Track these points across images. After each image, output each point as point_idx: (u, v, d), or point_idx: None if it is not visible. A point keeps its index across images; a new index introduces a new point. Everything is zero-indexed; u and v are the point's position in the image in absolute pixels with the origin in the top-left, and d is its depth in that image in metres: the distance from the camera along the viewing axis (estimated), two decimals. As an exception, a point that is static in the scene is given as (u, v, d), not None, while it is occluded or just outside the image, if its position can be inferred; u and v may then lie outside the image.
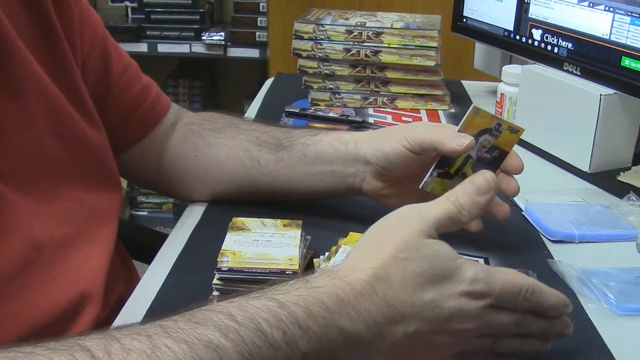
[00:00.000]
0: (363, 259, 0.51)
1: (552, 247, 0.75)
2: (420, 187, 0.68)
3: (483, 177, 0.56)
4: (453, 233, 0.74)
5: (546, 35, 1.04)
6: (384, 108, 1.20)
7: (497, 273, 0.52)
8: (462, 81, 1.38)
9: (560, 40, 1.01)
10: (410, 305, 0.49)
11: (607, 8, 0.92)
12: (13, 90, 0.63)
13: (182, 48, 2.38)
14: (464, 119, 0.66)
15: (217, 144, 0.81)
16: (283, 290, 0.48)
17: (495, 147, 0.68)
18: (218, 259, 0.63)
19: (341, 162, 0.75)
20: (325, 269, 0.52)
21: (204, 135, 0.82)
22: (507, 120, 0.70)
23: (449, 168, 0.68)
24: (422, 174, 0.69)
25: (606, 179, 0.92)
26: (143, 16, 2.40)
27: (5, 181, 0.61)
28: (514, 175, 0.70)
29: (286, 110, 1.15)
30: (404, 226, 0.52)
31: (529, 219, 0.81)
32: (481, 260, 0.72)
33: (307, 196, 0.79)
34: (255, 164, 0.79)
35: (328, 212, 0.81)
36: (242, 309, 0.46)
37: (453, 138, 0.65)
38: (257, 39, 2.35)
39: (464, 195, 0.55)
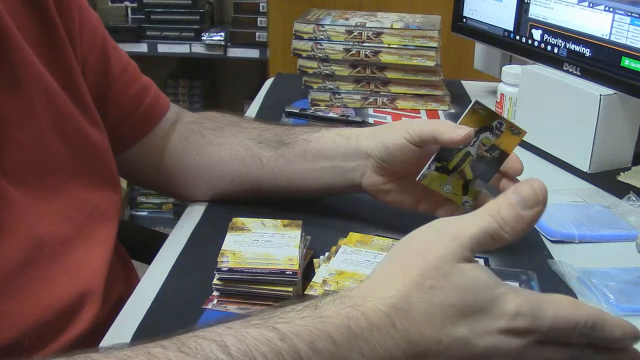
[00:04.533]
0: (382, 285, 0.45)
1: (552, 247, 0.75)
2: (417, 179, 0.68)
3: (530, 187, 0.46)
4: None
5: (546, 35, 1.04)
6: (384, 108, 1.20)
7: (547, 304, 0.44)
8: (462, 81, 1.39)
9: (560, 41, 1.01)
10: (436, 342, 0.43)
11: (607, 8, 0.92)
12: (16, 87, 0.63)
13: (182, 48, 2.38)
14: (465, 112, 0.67)
15: (219, 142, 0.81)
16: (287, 318, 0.43)
17: (495, 147, 0.68)
18: (218, 259, 0.63)
19: (342, 156, 0.75)
20: (339, 293, 0.45)
21: (205, 135, 0.82)
22: (509, 120, 0.69)
23: (447, 163, 0.68)
24: (423, 166, 0.69)
25: (606, 179, 0.92)
26: (143, 16, 2.40)
27: (8, 178, 0.61)
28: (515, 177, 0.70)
29: (286, 110, 1.15)
30: (433, 247, 0.45)
31: (529, 219, 0.81)
32: (481, 261, 0.72)
33: (308, 193, 0.79)
34: (256, 161, 0.79)
35: (328, 212, 0.81)
36: (238, 338, 0.41)
37: (452, 129, 0.65)
38: (257, 39, 2.35)
39: (507, 207, 0.45)
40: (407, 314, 0.43)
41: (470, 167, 0.68)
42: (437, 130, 0.66)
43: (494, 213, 0.45)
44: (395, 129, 0.71)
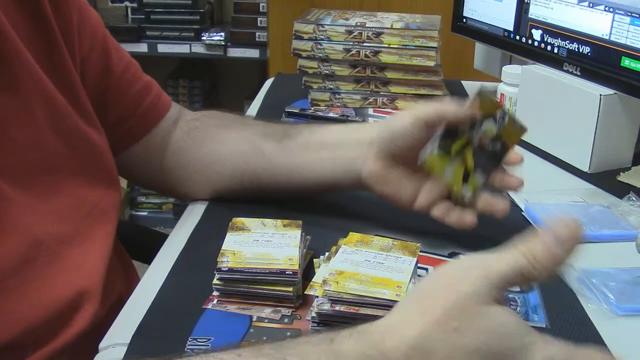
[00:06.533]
0: (404, 323, 0.42)
1: (552, 247, 0.75)
2: (419, 156, 0.69)
3: (564, 225, 0.44)
4: (452, 232, 0.75)
5: (546, 35, 1.04)
6: (384, 108, 1.20)
7: (580, 357, 0.43)
8: (462, 81, 1.38)
9: (560, 40, 1.01)
10: None
11: (607, 8, 0.92)
12: (12, 87, 0.63)
13: (182, 48, 2.38)
14: (471, 99, 0.69)
15: (222, 139, 0.81)
16: (300, 350, 0.41)
17: (497, 140, 0.69)
18: (218, 259, 0.63)
19: (345, 146, 0.76)
20: (357, 328, 0.43)
21: (208, 131, 0.82)
22: (511, 114, 0.70)
23: (450, 144, 0.69)
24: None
25: (606, 179, 0.92)
26: (143, 16, 2.40)
27: (5, 178, 0.61)
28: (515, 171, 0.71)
29: (286, 110, 1.15)
30: (461, 284, 0.42)
31: (529, 219, 0.81)
32: (481, 260, 0.72)
33: (308, 187, 0.79)
34: (258, 153, 0.79)
35: (328, 212, 0.81)
36: None
37: (457, 105, 0.68)
38: (257, 39, 2.35)
39: (538, 244, 0.44)
40: (428, 356, 0.41)
41: (472, 155, 0.69)
42: (442, 108, 0.68)
43: (525, 249, 0.43)
44: (402, 114, 0.72)
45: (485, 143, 0.69)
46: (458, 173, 0.70)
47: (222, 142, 0.81)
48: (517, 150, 0.71)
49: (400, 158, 0.73)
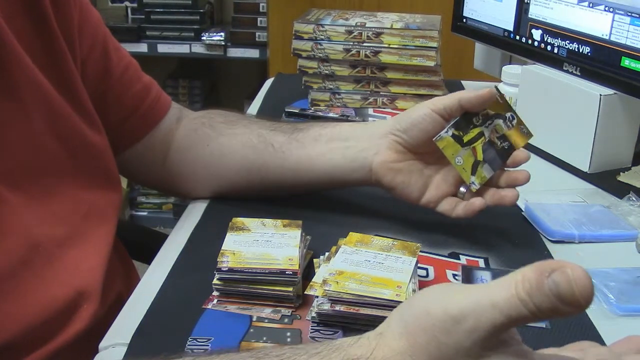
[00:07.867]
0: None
1: (552, 247, 0.75)
2: (434, 139, 0.70)
3: (577, 283, 0.41)
4: (452, 233, 0.75)
5: (546, 35, 1.04)
6: (384, 108, 1.20)
7: None
8: (462, 81, 1.38)
9: (560, 40, 1.01)
10: None
11: (607, 8, 0.92)
12: (10, 90, 0.63)
13: (182, 48, 2.38)
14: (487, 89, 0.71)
15: (230, 133, 0.81)
16: None
17: (506, 138, 0.70)
18: (218, 259, 0.63)
19: (357, 138, 0.76)
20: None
21: (215, 127, 0.82)
22: (520, 118, 0.73)
23: (463, 134, 0.70)
24: (436, 153, 0.71)
25: (606, 179, 0.92)
26: (143, 16, 2.40)
27: (2, 181, 0.61)
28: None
29: (286, 110, 1.15)
30: (448, 336, 0.39)
31: (529, 219, 0.81)
32: (481, 261, 0.72)
33: (315, 180, 0.78)
34: (267, 146, 0.79)
35: (328, 212, 0.81)
36: None
37: (474, 92, 0.69)
38: (257, 39, 2.35)
39: (544, 298, 0.38)
40: None
41: (482, 149, 0.71)
42: (460, 95, 0.69)
43: (527, 300, 0.37)
44: (420, 104, 0.73)
45: (495, 139, 0.71)
46: (468, 162, 0.71)
47: (231, 136, 0.81)
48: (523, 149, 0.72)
49: (413, 150, 0.73)
